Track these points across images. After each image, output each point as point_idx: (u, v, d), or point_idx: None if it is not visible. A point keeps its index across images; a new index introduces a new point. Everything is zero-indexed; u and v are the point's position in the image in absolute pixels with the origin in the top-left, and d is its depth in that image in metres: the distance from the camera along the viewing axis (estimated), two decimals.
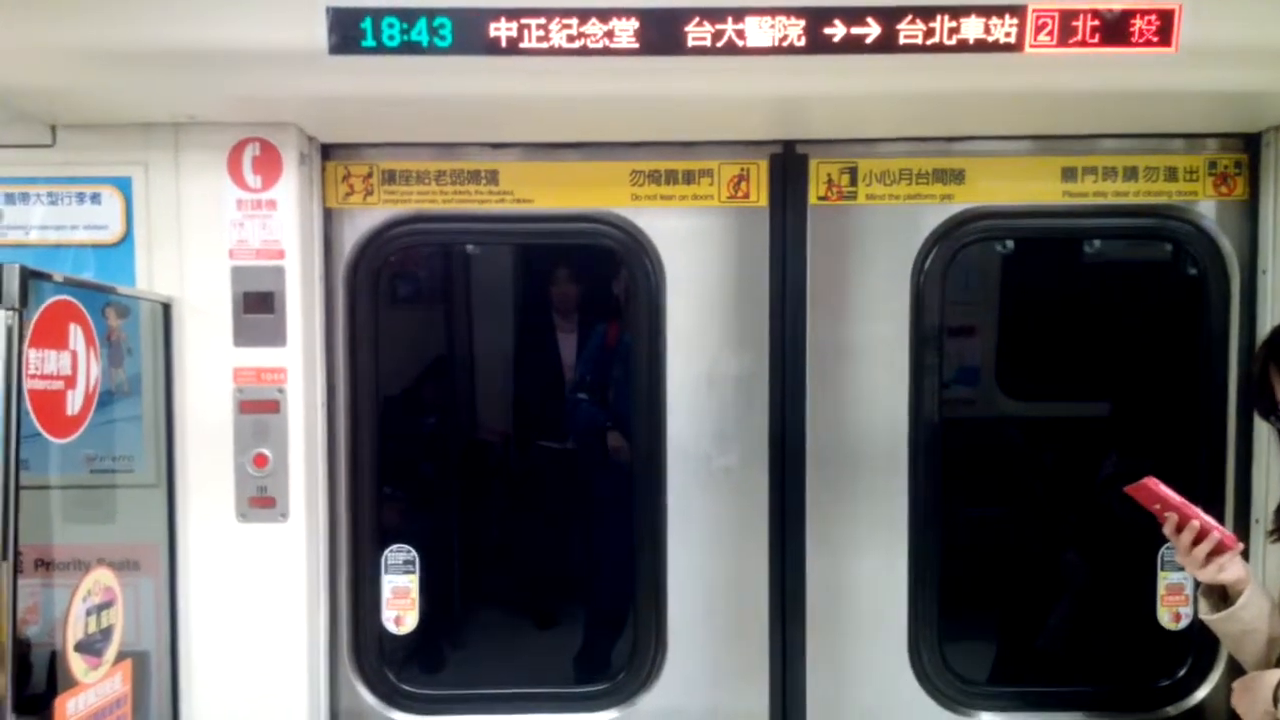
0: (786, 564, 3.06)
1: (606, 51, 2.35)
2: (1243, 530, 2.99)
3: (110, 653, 2.48)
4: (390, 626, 3.13)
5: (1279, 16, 2.36)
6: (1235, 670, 2.49)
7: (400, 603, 3.13)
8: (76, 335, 2.34)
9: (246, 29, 2.36)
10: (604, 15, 2.33)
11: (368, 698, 3.12)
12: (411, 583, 3.13)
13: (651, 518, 3.08)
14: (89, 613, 2.42)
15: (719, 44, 2.35)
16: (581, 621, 3.45)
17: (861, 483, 3.06)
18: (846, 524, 3.06)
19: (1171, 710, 3.11)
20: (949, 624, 3.12)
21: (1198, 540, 2.35)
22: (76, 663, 2.37)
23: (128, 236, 2.80)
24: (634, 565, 3.13)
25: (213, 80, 2.49)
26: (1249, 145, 2.98)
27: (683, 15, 2.34)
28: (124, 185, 2.79)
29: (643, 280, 3.05)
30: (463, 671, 3.35)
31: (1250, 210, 2.99)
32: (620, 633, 3.26)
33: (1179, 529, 2.38)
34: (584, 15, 2.33)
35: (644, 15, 2.33)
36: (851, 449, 3.05)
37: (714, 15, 2.34)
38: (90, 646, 2.41)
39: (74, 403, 2.34)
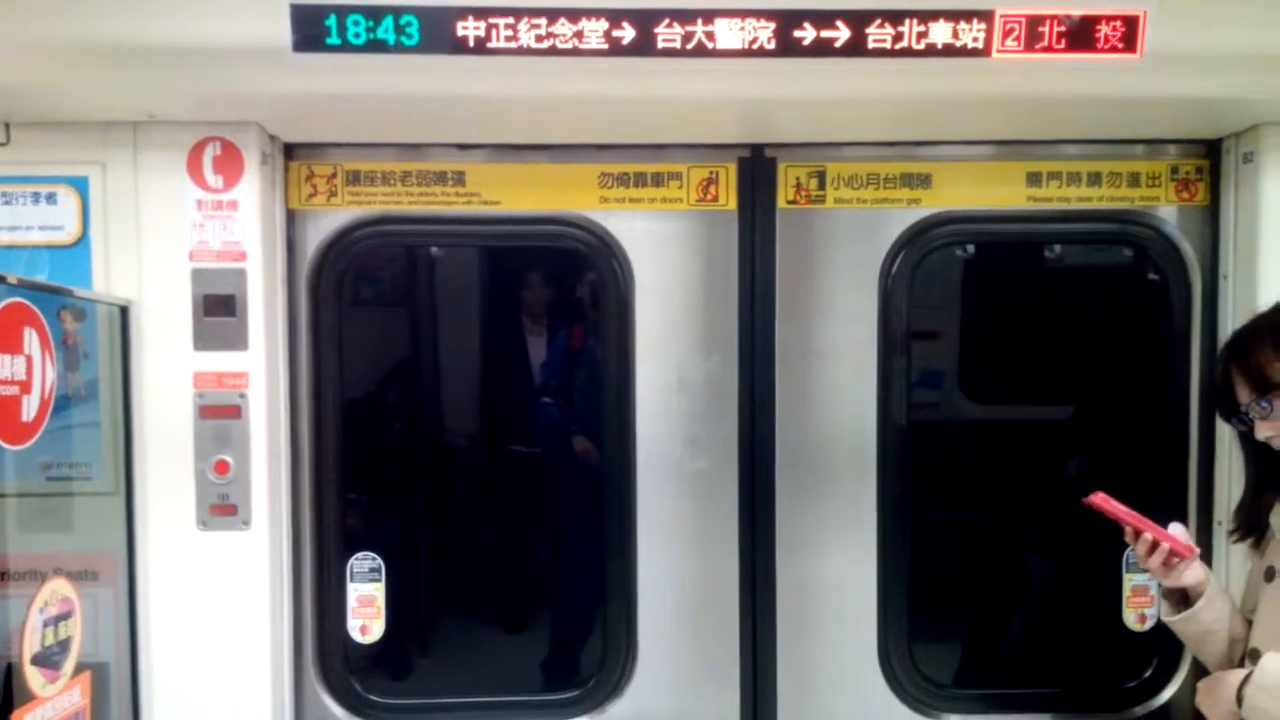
0: (756, 568, 3.06)
1: (575, 52, 2.32)
2: (1205, 532, 3.02)
3: (68, 665, 2.42)
4: (355, 635, 3.09)
5: (1242, 24, 2.40)
6: (1201, 671, 2.52)
7: (365, 611, 3.09)
8: (31, 339, 2.28)
9: (207, 25, 2.32)
10: (573, 15, 2.31)
11: (333, 707, 3.07)
12: (377, 591, 3.09)
13: (621, 522, 3.06)
14: (46, 624, 2.35)
15: (688, 46, 2.34)
16: (551, 628, 3.43)
17: (830, 486, 3.06)
18: (816, 527, 3.06)
19: (1138, 711, 3.14)
20: (918, 627, 3.13)
21: (1151, 551, 2.39)
22: (34, 676, 2.31)
23: (84, 237, 2.74)
24: (603, 570, 3.11)
25: (172, 78, 2.44)
26: (1210, 151, 3.02)
27: (652, 16, 2.32)
28: (80, 185, 2.73)
29: (611, 283, 3.04)
30: (430, 680, 3.31)
31: (1211, 215, 3.02)
32: (590, 639, 3.24)
33: (1136, 537, 2.42)
34: (553, 15, 2.30)
35: (613, 16, 2.31)
36: (820, 452, 3.06)
37: (684, 17, 2.32)
38: (48, 659, 2.35)
39: (29, 408, 2.28)
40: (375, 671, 3.16)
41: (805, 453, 3.05)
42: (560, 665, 3.35)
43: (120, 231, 2.74)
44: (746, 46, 2.35)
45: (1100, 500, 2.41)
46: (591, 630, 3.21)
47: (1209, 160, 3.02)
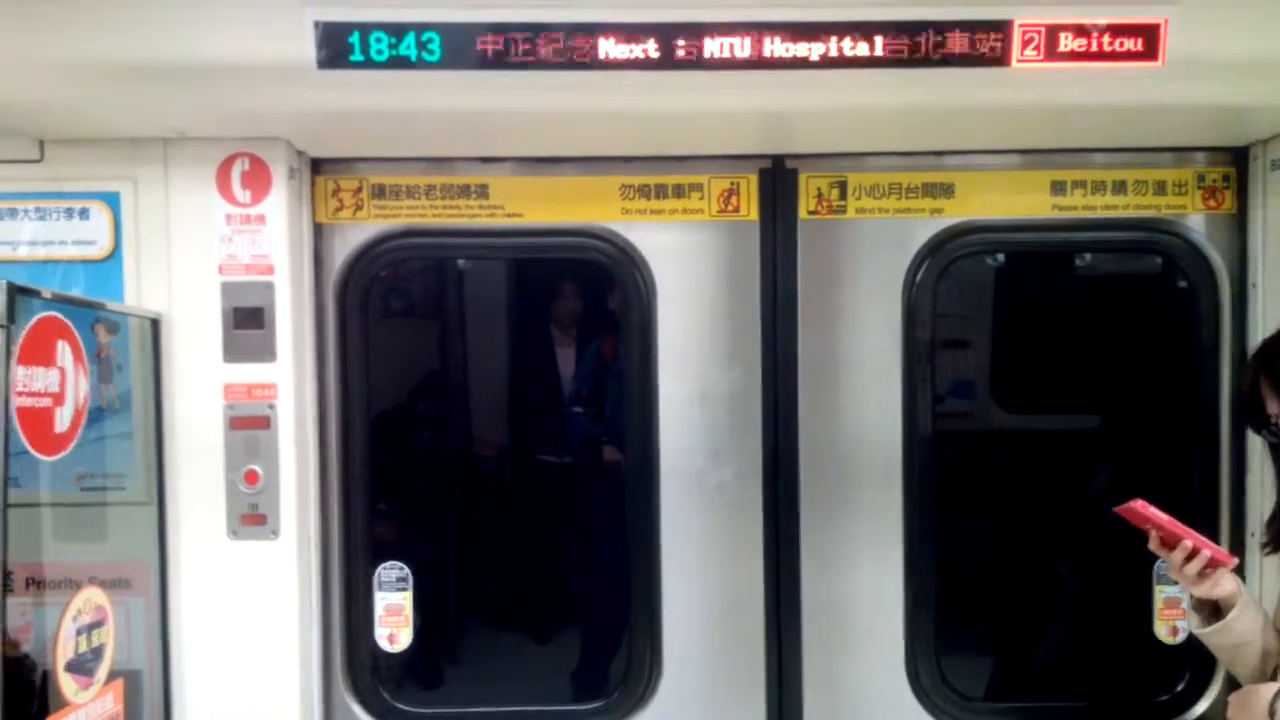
0: (781, 579, 3.05)
1: (594, 65, 2.35)
2: (1238, 544, 2.98)
3: (101, 672, 2.47)
4: (383, 644, 3.11)
5: (1265, 30, 2.37)
6: (1233, 684, 2.48)
7: (393, 620, 3.11)
8: (65, 352, 2.33)
9: (235, 44, 2.36)
10: (591, 30, 2.33)
11: (361, 715, 3.10)
12: (404, 600, 3.11)
13: (645, 533, 3.07)
14: (79, 632, 2.40)
15: (706, 58, 2.35)
16: (576, 638, 3.44)
17: (855, 497, 3.05)
18: (841, 539, 3.05)
19: None
20: (946, 639, 3.10)
21: (1190, 558, 2.34)
22: (67, 683, 2.35)
23: (116, 252, 2.80)
24: (628, 581, 3.11)
25: (201, 95, 2.49)
26: (1237, 159, 2.99)
27: (670, 30, 2.34)
28: (112, 200, 2.79)
29: (634, 295, 3.05)
30: (457, 689, 3.33)
31: (1239, 223, 2.99)
32: (615, 649, 3.24)
33: (1170, 547, 2.37)
34: (571, 30, 2.33)
35: (631, 30, 2.34)
36: (845, 463, 3.05)
37: (701, 30, 2.34)
38: (81, 666, 2.40)
39: (62, 420, 2.32)
40: (402, 680, 3.18)
41: (829, 464, 3.04)
42: (586, 676, 3.36)
43: (151, 246, 2.79)
44: (764, 59, 2.36)
45: (1140, 507, 2.36)
46: (617, 641, 3.21)
47: (1236, 168, 2.99)
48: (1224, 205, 3.00)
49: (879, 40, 2.35)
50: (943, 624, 3.09)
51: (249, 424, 2.82)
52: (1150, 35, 2.33)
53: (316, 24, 2.31)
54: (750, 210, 3.01)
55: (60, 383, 2.31)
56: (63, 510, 2.70)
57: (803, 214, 3.01)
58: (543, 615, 3.54)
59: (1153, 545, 2.40)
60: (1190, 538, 2.34)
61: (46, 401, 2.27)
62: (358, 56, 2.32)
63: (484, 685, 3.36)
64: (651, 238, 3.02)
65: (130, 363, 2.73)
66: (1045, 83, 2.43)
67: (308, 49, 2.32)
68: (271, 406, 2.82)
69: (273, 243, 2.80)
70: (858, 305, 3.02)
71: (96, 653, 2.45)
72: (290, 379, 2.84)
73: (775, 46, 2.36)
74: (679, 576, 3.07)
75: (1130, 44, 2.33)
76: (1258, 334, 2.88)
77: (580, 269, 3.23)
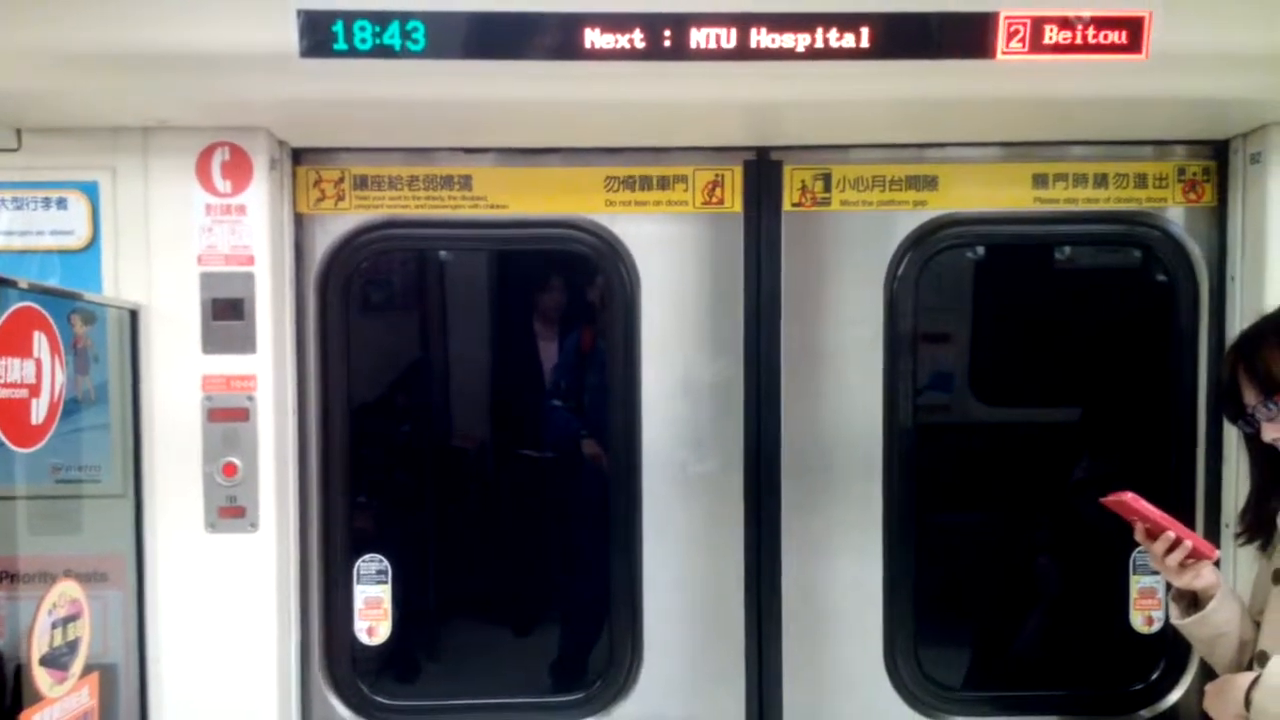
0: (762, 570, 3.06)
1: (580, 55, 2.34)
2: (1213, 534, 3.01)
3: (77, 666, 2.43)
4: (363, 637, 3.10)
5: (1248, 24, 2.39)
6: (1208, 673, 2.51)
7: (372, 613, 3.10)
8: (41, 343, 2.30)
9: (216, 32, 2.33)
10: (577, 20, 2.32)
11: (340, 709, 3.08)
12: (384, 593, 3.10)
13: (627, 525, 3.07)
14: (55, 625, 2.36)
15: (691, 49, 2.35)
16: (557, 630, 3.43)
17: (837, 489, 3.06)
18: (822, 530, 3.06)
19: (1145, 713, 3.13)
20: (924, 629, 3.12)
21: (1172, 549, 2.36)
22: (42, 677, 2.32)
23: (94, 242, 2.76)
24: (609, 573, 3.11)
25: (182, 84, 2.45)
26: (1217, 152, 3.01)
27: (656, 20, 2.33)
28: (91, 190, 2.75)
29: (618, 287, 3.04)
30: (437, 682, 3.32)
31: (1219, 216, 3.02)
32: (596, 641, 3.24)
33: (1153, 538, 2.39)
34: (557, 20, 2.32)
35: (617, 20, 2.33)
36: (826, 455, 3.06)
37: (687, 21, 2.33)
38: (56, 660, 2.36)
39: (38, 411, 2.29)
40: (381, 673, 3.17)
41: (811, 455, 3.05)
42: (567, 667, 3.35)
43: (130, 236, 2.75)
44: (749, 50, 2.35)
45: (1131, 499, 2.38)
46: (598, 632, 3.21)
47: (1216, 161, 3.01)
48: (1204, 198, 3.02)
49: (864, 31, 2.35)
50: (921, 614, 3.11)
51: (228, 416, 2.79)
52: (1135, 28, 2.34)
53: (299, 12, 2.28)
54: (734, 202, 3.01)
55: (36, 374, 2.28)
56: (38, 503, 2.66)
57: (787, 206, 3.01)
58: (523, 607, 3.52)
59: (1138, 535, 2.42)
60: (1175, 529, 2.36)
61: (22, 393, 2.24)
62: (341, 45, 2.30)
63: (464, 678, 3.34)
64: (635, 229, 3.01)
65: (107, 354, 2.69)
66: (1029, 75, 2.44)
67: (291, 37, 2.29)
68: (250, 398, 2.79)
69: (253, 233, 2.77)
70: (841, 297, 3.03)
71: (72, 646, 2.42)
72: (270, 371, 2.81)
73: (761, 37, 2.36)
74: (660, 567, 3.07)
75: (1115, 37, 2.35)
76: (1236, 326, 2.90)
77: (564, 261, 3.22)
